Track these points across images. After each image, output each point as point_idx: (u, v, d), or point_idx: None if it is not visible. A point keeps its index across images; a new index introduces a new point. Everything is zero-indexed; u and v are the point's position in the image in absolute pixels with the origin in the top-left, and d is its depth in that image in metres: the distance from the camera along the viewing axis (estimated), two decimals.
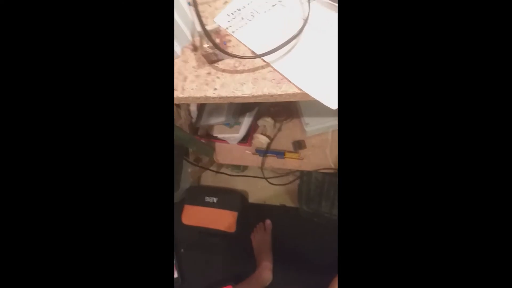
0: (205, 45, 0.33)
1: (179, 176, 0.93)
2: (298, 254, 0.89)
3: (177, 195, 0.98)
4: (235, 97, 0.32)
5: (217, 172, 0.90)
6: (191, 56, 0.36)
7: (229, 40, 0.35)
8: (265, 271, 0.83)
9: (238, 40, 0.35)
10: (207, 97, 0.33)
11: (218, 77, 0.33)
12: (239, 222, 0.94)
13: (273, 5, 0.36)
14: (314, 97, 0.29)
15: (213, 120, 0.79)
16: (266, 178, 0.80)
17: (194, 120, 0.84)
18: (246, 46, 0.34)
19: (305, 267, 0.86)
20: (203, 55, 0.34)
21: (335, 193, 0.85)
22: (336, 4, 0.32)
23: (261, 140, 0.76)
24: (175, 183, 0.93)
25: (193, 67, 0.35)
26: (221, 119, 0.77)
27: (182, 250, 0.98)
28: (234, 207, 0.96)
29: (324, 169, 0.75)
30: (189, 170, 0.93)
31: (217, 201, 0.98)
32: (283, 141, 0.79)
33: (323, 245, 0.88)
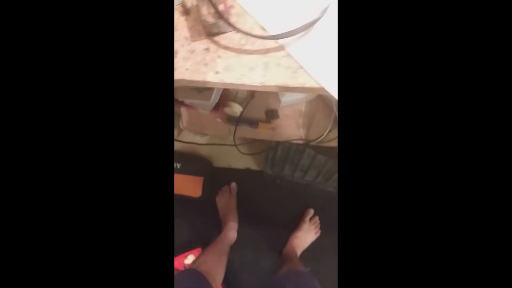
0: (205, 11, 0.25)
1: None
2: (261, 213, 0.97)
3: None
4: (242, 85, 0.27)
5: (185, 142, 0.84)
6: (181, 21, 0.27)
7: (232, 6, 0.28)
8: (231, 231, 0.88)
9: (242, 7, 0.28)
10: (206, 82, 0.27)
11: (219, 56, 0.27)
12: (205, 186, 0.94)
13: None
14: (336, 96, 0.27)
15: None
16: (236, 146, 0.78)
17: None
18: (253, 16, 0.28)
19: (267, 225, 0.95)
20: (202, 25, 0.26)
21: (300, 160, 0.90)
22: None
23: (234, 108, 0.72)
24: None
25: (185, 38, 0.27)
26: None
27: None
28: (199, 172, 0.94)
29: (295, 139, 0.77)
30: None
31: (180, 167, 0.93)
32: (255, 110, 0.75)
33: (284, 204, 0.97)
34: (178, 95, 0.71)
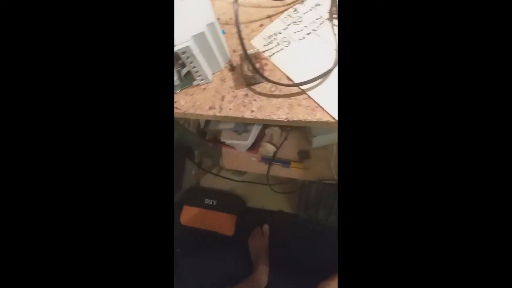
0: (245, 68, 0.35)
1: (181, 177, 0.94)
2: (293, 258, 0.93)
3: (177, 195, 0.99)
4: (271, 120, 0.34)
5: (224, 177, 0.91)
6: (228, 76, 0.37)
7: (266, 64, 0.37)
8: (262, 275, 0.86)
9: (274, 64, 0.37)
10: (244, 118, 0.35)
11: (255, 100, 0.35)
12: (238, 225, 0.97)
13: (308, 34, 0.38)
14: None
15: (222, 126, 0.81)
16: (270, 185, 0.83)
17: (202, 124, 0.85)
18: (282, 71, 0.36)
19: (299, 271, 0.90)
20: (243, 78, 0.36)
21: (334, 202, 0.89)
22: None
23: (267, 148, 0.79)
24: (177, 183, 0.94)
25: (231, 87, 0.37)
26: (230, 125, 0.79)
27: (178, 250, 0.99)
28: (233, 210, 0.98)
29: (327, 180, 0.78)
30: (193, 172, 0.94)
31: (216, 203, 0.99)
32: (289, 150, 0.81)
33: (318, 250, 0.92)
34: (221, 137, 0.82)
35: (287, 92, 0.35)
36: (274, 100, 0.35)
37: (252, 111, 0.35)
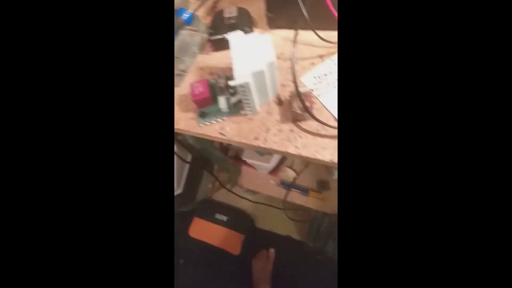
0: (295, 105, 0.35)
1: (197, 188, 0.94)
2: (295, 286, 0.90)
3: (189, 206, 0.99)
4: (315, 159, 0.35)
5: (241, 197, 0.91)
6: (275, 109, 0.38)
7: (314, 102, 0.38)
8: None
9: (322, 104, 0.38)
10: (287, 153, 0.35)
11: (300, 136, 0.36)
12: (244, 245, 0.95)
13: None
14: None
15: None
16: (284, 210, 0.82)
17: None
18: (329, 111, 0.37)
19: None
20: (291, 113, 0.36)
21: None
22: None
23: (288, 173, 0.79)
24: (191, 194, 0.94)
25: (277, 120, 0.38)
26: None
27: (182, 261, 0.97)
28: (241, 229, 0.97)
29: None
30: (210, 185, 0.95)
31: (227, 220, 0.98)
32: (308, 178, 0.81)
33: (321, 282, 0.89)
34: (243, 155, 0.83)
35: (333, 134, 0.35)
36: (320, 140, 0.35)
37: (297, 147, 0.35)
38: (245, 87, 0.33)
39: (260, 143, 0.36)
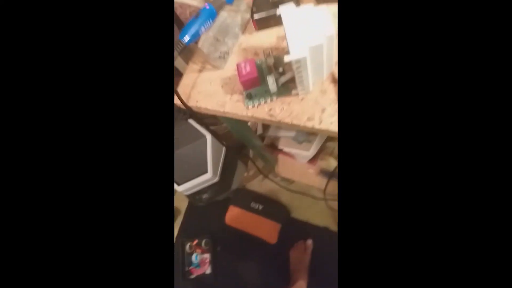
0: None
1: (232, 177, 0.95)
2: (333, 278, 0.87)
3: (225, 194, 1.00)
4: None
5: (280, 186, 0.89)
6: (330, 88, 0.35)
7: None
8: None
9: None
10: None
11: None
12: (281, 235, 0.94)
13: None
14: None
15: (282, 133, 0.79)
16: (325, 200, 0.79)
17: (260, 129, 0.85)
18: None
19: None
20: None
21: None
22: None
23: (330, 162, 0.75)
24: (227, 182, 0.94)
25: (333, 100, 0.34)
26: (291, 133, 0.77)
27: (219, 248, 1.00)
28: (278, 218, 0.96)
29: None
30: (245, 174, 0.94)
31: (262, 209, 0.98)
32: None
33: None
34: (279, 144, 0.80)
35: None
36: None
37: None
38: (301, 62, 0.30)
39: (314, 124, 0.33)
